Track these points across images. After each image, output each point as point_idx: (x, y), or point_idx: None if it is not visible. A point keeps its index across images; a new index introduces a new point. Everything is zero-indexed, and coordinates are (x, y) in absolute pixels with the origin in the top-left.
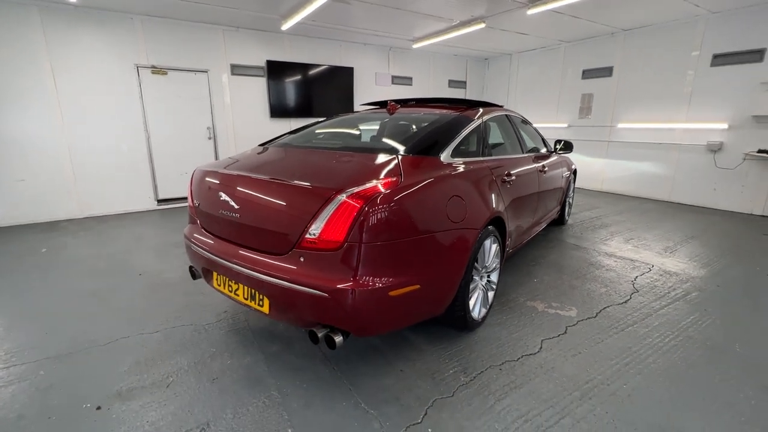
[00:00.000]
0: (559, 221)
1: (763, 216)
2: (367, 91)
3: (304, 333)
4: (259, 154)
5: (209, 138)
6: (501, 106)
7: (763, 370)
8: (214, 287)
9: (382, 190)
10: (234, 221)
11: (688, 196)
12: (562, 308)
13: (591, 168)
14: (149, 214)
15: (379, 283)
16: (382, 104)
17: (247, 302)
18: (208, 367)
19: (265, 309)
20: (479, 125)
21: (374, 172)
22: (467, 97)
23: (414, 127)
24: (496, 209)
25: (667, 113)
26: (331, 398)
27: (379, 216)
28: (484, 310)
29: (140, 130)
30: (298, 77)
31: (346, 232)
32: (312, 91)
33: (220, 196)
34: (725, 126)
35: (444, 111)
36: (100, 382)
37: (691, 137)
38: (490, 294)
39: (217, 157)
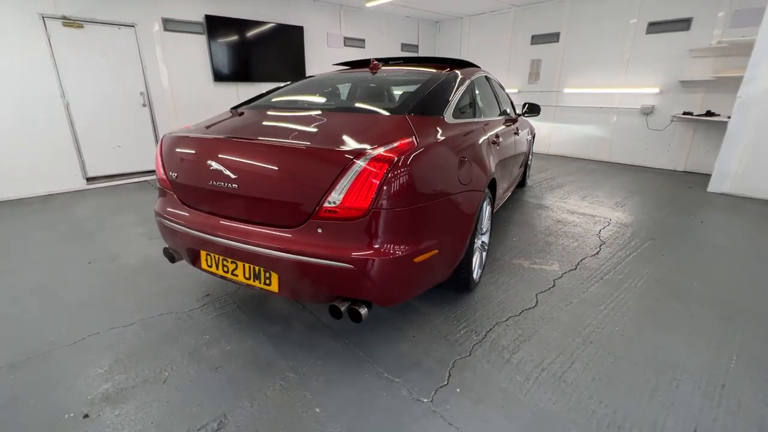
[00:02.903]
0: (521, 183)
1: (685, 171)
2: (318, 53)
3: (304, 309)
4: (241, 117)
5: (144, 105)
6: (478, 67)
7: (717, 302)
8: (203, 269)
9: (404, 151)
10: (231, 193)
11: (625, 156)
12: (545, 263)
13: (539, 132)
14: (78, 195)
15: (404, 251)
16: (357, 64)
17: (250, 282)
18: (206, 356)
19: (274, 287)
20: (470, 85)
21: (388, 133)
22: None
23: (411, 86)
24: (492, 171)
25: (608, 78)
26: (351, 372)
27: (402, 180)
28: (480, 271)
29: (55, 95)
30: (244, 36)
31: (371, 199)
32: (260, 52)
33: (210, 166)
34: (657, 90)
35: (432, 69)
36: (77, 388)
37: (628, 101)
38: (483, 255)
39: (155, 127)
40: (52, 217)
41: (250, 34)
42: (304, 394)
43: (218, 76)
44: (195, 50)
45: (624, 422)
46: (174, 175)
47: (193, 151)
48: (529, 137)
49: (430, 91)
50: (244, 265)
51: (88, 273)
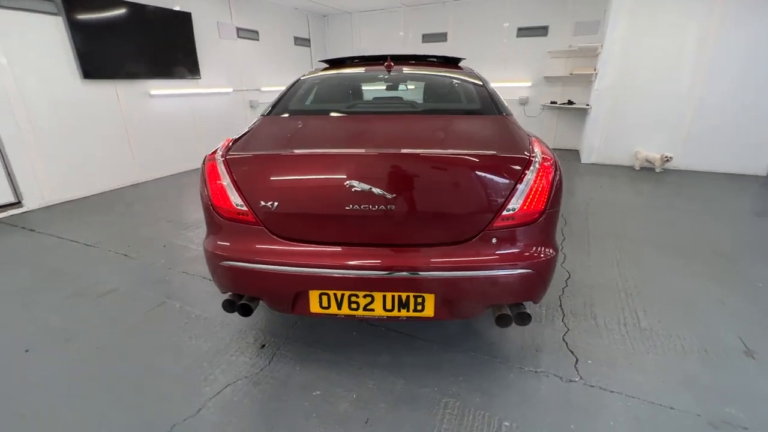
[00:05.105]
0: None
1: (555, 149)
2: (211, 45)
3: (389, 330)
4: (324, 126)
5: None
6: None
7: (659, 242)
8: (311, 314)
9: (550, 152)
10: (380, 216)
11: None
12: None
13: None
14: None
15: (556, 246)
16: (338, 62)
17: (392, 314)
18: (339, 413)
19: (428, 312)
20: None
21: (522, 135)
22: (312, 57)
23: (467, 86)
24: None
25: (491, 74)
26: (495, 377)
27: (558, 179)
28: None
29: None
30: (119, 21)
31: (545, 201)
32: (143, 42)
33: (351, 187)
34: (529, 84)
35: (456, 69)
36: None
37: (509, 93)
38: None
39: None
40: None
41: (126, 18)
42: (481, 414)
43: (89, 73)
44: (50, 37)
45: (708, 346)
46: (272, 204)
47: (317, 172)
48: None
49: (490, 91)
50: (384, 295)
51: (41, 366)
